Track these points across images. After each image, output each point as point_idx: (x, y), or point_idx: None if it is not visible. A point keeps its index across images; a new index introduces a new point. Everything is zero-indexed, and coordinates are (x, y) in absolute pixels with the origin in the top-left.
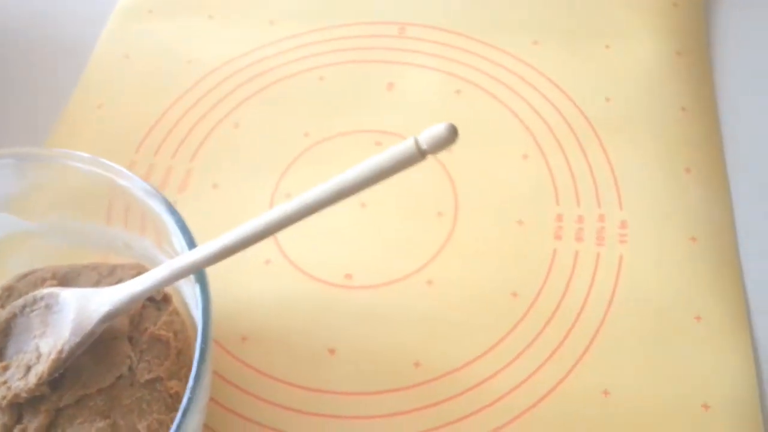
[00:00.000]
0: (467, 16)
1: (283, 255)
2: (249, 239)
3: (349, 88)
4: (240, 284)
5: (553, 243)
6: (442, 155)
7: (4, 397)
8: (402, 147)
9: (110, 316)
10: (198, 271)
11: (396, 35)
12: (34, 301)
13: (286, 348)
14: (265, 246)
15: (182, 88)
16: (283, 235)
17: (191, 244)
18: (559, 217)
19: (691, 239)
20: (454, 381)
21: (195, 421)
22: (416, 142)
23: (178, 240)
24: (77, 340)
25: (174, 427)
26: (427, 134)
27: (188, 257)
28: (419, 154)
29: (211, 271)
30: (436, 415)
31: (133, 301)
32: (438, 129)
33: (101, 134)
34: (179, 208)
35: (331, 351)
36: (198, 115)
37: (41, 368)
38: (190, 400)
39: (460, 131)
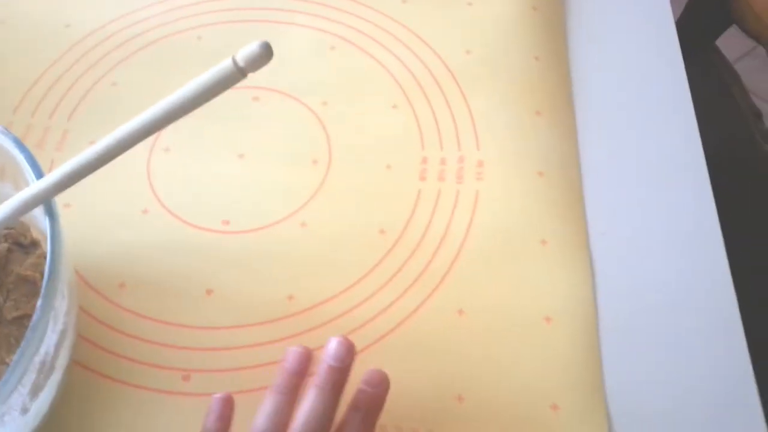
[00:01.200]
0: None
1: (160, 204)
2: (89, 165)
3: (226, 48)
4: (117, 234)
5: (418, 184)
6: (318, 108)
7: None
8: (222, 66)
9: None
10: (45, 201)
11: None
12: None
13: (164, 291)
14: (142, 195)
15: (60, 51)
16: (160, 185)
17: (40, 176)
18: (424, 160)
19: (538, 173)
20: (325, 310)
21: (47, 341)
22: (234, 61)
23: (30, 176)
24: None
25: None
26: (243, 53)
27: (33, 188)
28: (238, 72)
29: (88, 221)
30: (307, 341)
31: None
32: (252, 47)
33: None
34: (57, 165)
35: (209, 291)
36: (75, 75)
37: None
38: (38, 318)
39: (336, 86)
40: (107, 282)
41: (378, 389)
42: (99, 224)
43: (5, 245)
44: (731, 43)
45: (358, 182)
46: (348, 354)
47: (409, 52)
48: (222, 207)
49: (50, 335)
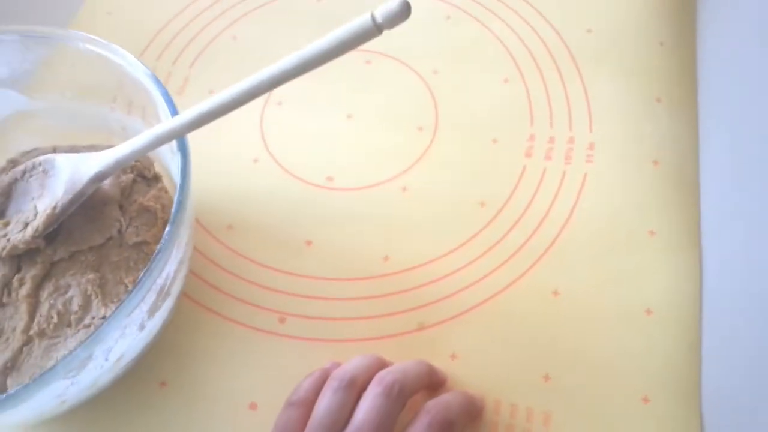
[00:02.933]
0: None
1: (270, 155)
2: (223, 107)
3: (345, 8)
4: (229, 180)
5: (523, 160)
6: (428, 75)
7: (3, 249)
8: (360, 21)
9: (99, 177)
10: (178, 137)
11: None
12: (33, 167)
13: (267, 237)
14: (254, 146)
15: (186, 1)
16: (271, 138)
17: (175, 114)
18: (532, 137)
19: (653, 162)
20: (418, 274)
21: (169, 265)
22: (372, 17)
23: (164, 112)
24: (69, 197)
25: (150, 262)
26: (382, 9)
27: (168, 123)
28: (375, 28)
29: (203, 167)
30: (400, 301)
31: (119, 163)
32: (392, 4)
33: (109, 38)
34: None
35: (308, 243)
36: (200, 26)
37: (37, 223)
38: (165, 241)
39: (448, 55)
40: (217, 223)
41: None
42: (214, 169)
43: (131, 176)
44: None
45: (462, 153)
46: (430, 372)
47: (527, 25)
48: (327, 164)
49: (172, 261)
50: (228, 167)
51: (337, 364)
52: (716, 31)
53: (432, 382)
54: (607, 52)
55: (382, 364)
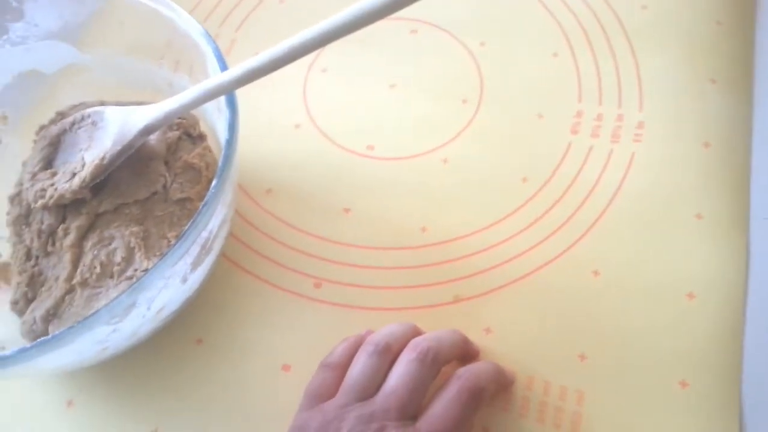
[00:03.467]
0: None
1: (312, 122)
2: (272, 63)
3: None
4: (270, 144)
5: (569, 137)
6: (475, 47)
7: (50, 197)
8: None
9: (148, 130)
10: (226, 93)
11: None
12: (83, 118)
13: (306, 203)
14: (296, 112)
15: None
16: (314, 105)
17: (225, 69)
18: (579, 114)
19: (704, 144)
20: (456, 247)
21: (214, 220)
22: None
23: (213, 68)
24: (118, 149)
25: (195, 216)
26: None
27: (217, 78)
28: None
29: (245, 131)
30: (437, 273)
31: (167, 117)
32: None
33: None
34: None
35: (346, 210)
36: None
37: (84, 174)
38: (211, 195)
39: (496, 27)
40: (256, 186)
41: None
42: (256, 133)
43: (177, 133)
44: None
45: (505, 127)
46: (464, 343)
47: None
48: (369, 132)
49: (216, 216)
50: (270, 131)
51: (372, 332)
52: None
53: (465, 353)
54: (662, 29)
55: (416, 332)
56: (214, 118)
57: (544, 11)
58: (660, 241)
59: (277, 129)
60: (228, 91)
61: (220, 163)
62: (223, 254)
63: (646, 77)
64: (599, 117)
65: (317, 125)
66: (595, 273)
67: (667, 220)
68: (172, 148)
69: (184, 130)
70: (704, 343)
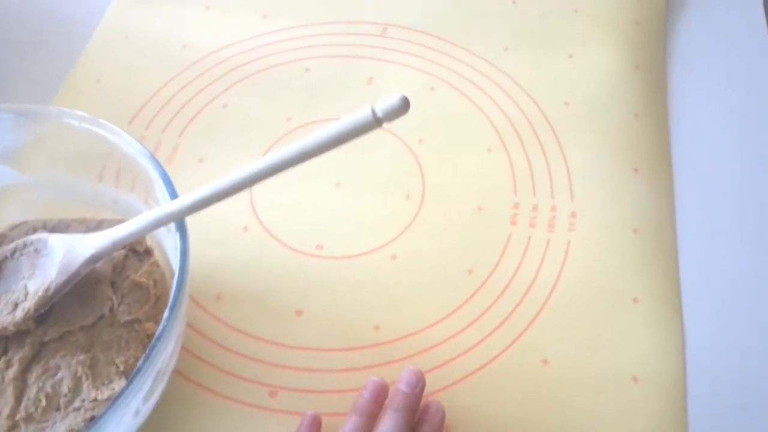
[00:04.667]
0: (446, 21)
1: (260, 223)
2: (222, 192)
3: (332, 80)
4: (218, 248)
5: (508, 228)
6: (414, 145)
7: None
8: (360, 114)
9: (94, 259)
10: (177, 220)
11: (379, 35)
12: (24, 245)
13: (258, 307)
14: (243, 214)
15: (176, 70)
16: (261, 206)
17: (174, 196)
18: (516, 206)
19: (633, 231)
20: (409, 344)
21: (167, 350)
22: (373, 111)
23: (162, 193)
24: (63, 279)
25: (149, 349)
26: (383, 104)
27: (168, 207)
28: (375, 122)
29: (191, 236)
30: (392, 371)
31: (115, 245)
32: (392, 99)
33: (97, 107)
34: None
35: (299, 312)
36: (189, 95)
37: (28, 305)
38: (164, 327)
39: (433, 125)
40: (206, 293)
41: (416, 390)
42: (203, 237)
43: (123, 252)
44: None
45: (449, 221)
46: (419, 382)
47: (508, 98)
48: (317, 232)
49: (170, 344)
50: (217, 236)
51: (311, 422)
52: (687, 101)
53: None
54: (585, 123)
55: (371, 428)
56: (160, 233)
57: (476, 110)
58: (601, 326)
59: (225, 233)
60: (177, 219)
61: (173, 292)
62: (175, 370)
63: (574, 169)
64: (535, 208)
65: (265, 227)
66: (545, 362)
67: (606, 306)
68: (119, 268)
69: (130, 247)
70: (651, 425)
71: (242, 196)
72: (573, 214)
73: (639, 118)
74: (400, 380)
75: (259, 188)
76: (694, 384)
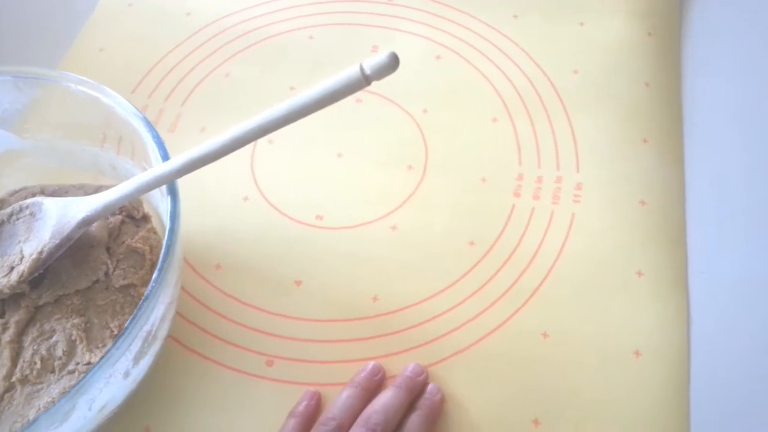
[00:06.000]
0: None
1: (260, 194)
2: (212, 154)
3: (336, 48)
4: (219, 218)
5: (512, 199)
6: (418, 115)
7: None
8: (349, 72)
9: (87, 222)
10: (168, 183)
11: (385, 2)
12: (20, 209)
13: (257, 277)
14: (244, 184)
15: (179, 38)
16: (262, 176)
17: (166, 158)
18: (520, 177)
19: (640, 203)
20: (408, 315)
21: (157, 312)
22: (361, 68)
23: (154, 155)
24: (56, 242)
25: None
26: (371, 61)
27: (158, 169)
28: (364, 80)
29: (192, 205)
30: (390, 343)
31: (107, 208)
32: (381, 57)
33: (100, 75)
34: (168, 146)
35: (298, 282)
36: (192, 63)
37: (23, 267)
38: (152, 288)
39: (438, 95)
40: (205, 262)
41: (418, 378)
42: (203, 206)
43: (119, 217)
44: None
45: (451, 192)
46: (422, 373)
47: (515, 66)
48: (317, 202)
49: (159, 306)
50: (218, 205)
51: (312, 395)
52: (700, 72)
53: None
54: (593, 92)
55: (366, 401)
56: (157, 199)
57: (482, 79)
58: (604, 300)
59: (226, 203)
60: (168, 181)
61: (162, 253)
62: (170, 336)
63: (581, 139)
64: (539, 179)
65: (266, 197)
66: (544, 335)
67: (610, 279)
68: (115, 233)
69: (127, 213)
70: (652, 400)
71: (243, 166)
72: (578, 186)
73: (650, 87)
74: (405, 369)
75: (260, 159)
76: (697, 360)
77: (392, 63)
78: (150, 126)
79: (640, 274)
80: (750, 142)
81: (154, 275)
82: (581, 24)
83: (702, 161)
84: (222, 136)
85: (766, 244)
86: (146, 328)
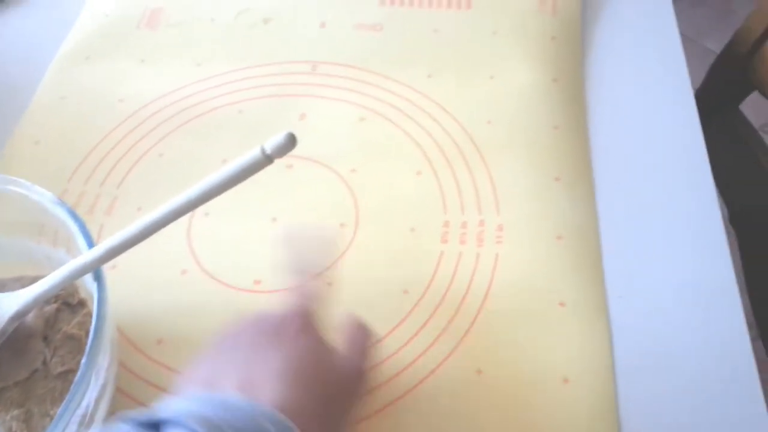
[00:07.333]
0: (372, 54)
1: (198, 265)
2: (135, 237)
3: (265, 119)
4: (158, 293)
5: (440, 246)
6: (347, 174)
7: None
8: (251, 154)
9: (19, 315)
10: (94, 269)
11: (308, 72)
12: None
13: (199, 349)
14: (182, 258)
15: (113, 124)
16: (199, 248)
17: (91, 245)
18: (446, 224)
19: (557, 238)
20: None
21: (89, 395)
22: (262, 150)
23: (82, 244)
24: None
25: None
26: (271, 142)
27: (82, 258)
28: (266, 159)
29: (131, 280)
30: None
31: (38, 299)
32: (279, 137)
33: (37, 167)
34: (106, 229)
35: None
36: (126, 147)
37: None
38: (82, 373)
39: (364, 154)
40: (146, 338)
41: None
42: (141, 283)
43: (55, 305)
44: (757, 110)
45: (383, 244)
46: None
47: (434, 122)
48: (255, 267)
49: (92, 389)
50: (156, 280)
51: None
52: (605, 112)
53: None
54: (507, 139)
55: None
56: (91, 284)
57: (404, 136)
58: (531, 332)
59: (164, 277)
60: (95, 267)
61: (90, 337)
62: (111, 413)
63: (499, 183)
64: (464, 225)
65: (204, 268)
66: (479, 372)
67: (535, 312)
68: (51, 321)
69: (62, 300)
70: (583, 423)
71: (179, 239)
72: (500, 227)
73: (559, 130)
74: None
75: (197, 231)
76: (623, 383)
77: (290, 142)
78: (74, 216)
79: (562, 304)
80: (653, 171)
81: (83, 360)
82: (491, 77)
83: (611, 193)
84: (142, 220)
85: (675, 267)
86: (80, 412)
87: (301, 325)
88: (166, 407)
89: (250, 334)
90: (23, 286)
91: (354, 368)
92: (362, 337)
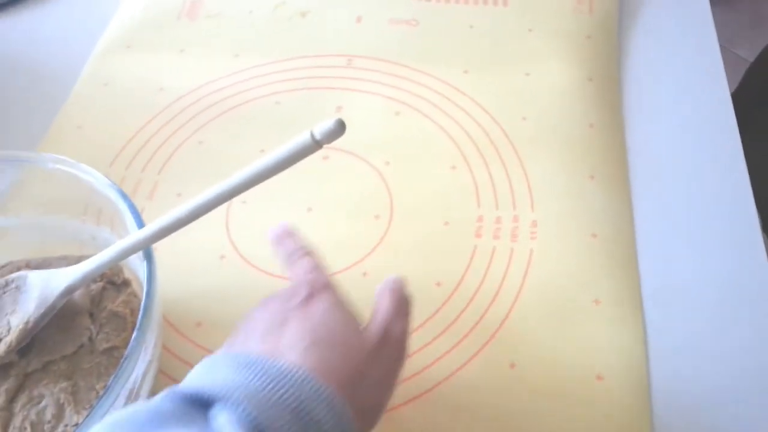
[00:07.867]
0: (407, 49)
1: (236, 251)
2: (182, 220)
3: (302, 111)
4: (197, 277)
5: (473, 240)
6: (382, 167)
7: None
8: (300, 139)
9: (69, 291)
10: (144, 248)
11: (344, 66)
12: (6, 284)
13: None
14: (220, 244)
15: (153, 112)
16: (236, 235)
17: (141, 225)
18: (480, 219)
19: (592, 235)
20: None
21: (136, 372)
22: (312, 135)
23: (131, 224)
24: (41, 312)
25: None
26: (320, 127)
27: (132, 237)
28: (315, 144)
29: (171, 265)
30: None
31: (87, 277)
32: (329, 123)
33: (79, 151)
34: (146, 214)
35: None
36: (166, 134)
37: (10, 338)
38: (132, 348)
39: (399, 147)
40: (186, 321)
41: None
42: (182, 268)
43: (101, 284)
44: None
45: (417, 237)
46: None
47: (469, 117)
48: None
49: (140, 365)
50: (196, 265)
51: None
52: (641, 111)
53: None
54: (542, 136)
55: None
56: (136, 264)
57: (440, 130)
58: (565, 328)
59: (203, 262)
60: (145, 246)
61: (140, 314)
62: (153, 393)
63: (534, 179)
64: (498, 220)
65: (242, 254)
66: (512, 365)
67: (569, 308)
68: (97, 300)
69: (107, 279)
70: (617, 423)
71: (218, 226)
72: (534, 223)
73: (594, 128)
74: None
75: (234, 219)
76: (658, 381)
77: (339, 128)
78: (125, 196)
79: (597, 302)
80: (689, 172)
81: (133, 336)
82: (527, 74)
83: (647, 192)
84: (188, 204)
85: (710, 265)
86: (128, 386)
87: (308, 294)
88: (212, 378)
89: (261, 319)
90: (68, 264)
91: (382, 328)
92: (397, 300)
